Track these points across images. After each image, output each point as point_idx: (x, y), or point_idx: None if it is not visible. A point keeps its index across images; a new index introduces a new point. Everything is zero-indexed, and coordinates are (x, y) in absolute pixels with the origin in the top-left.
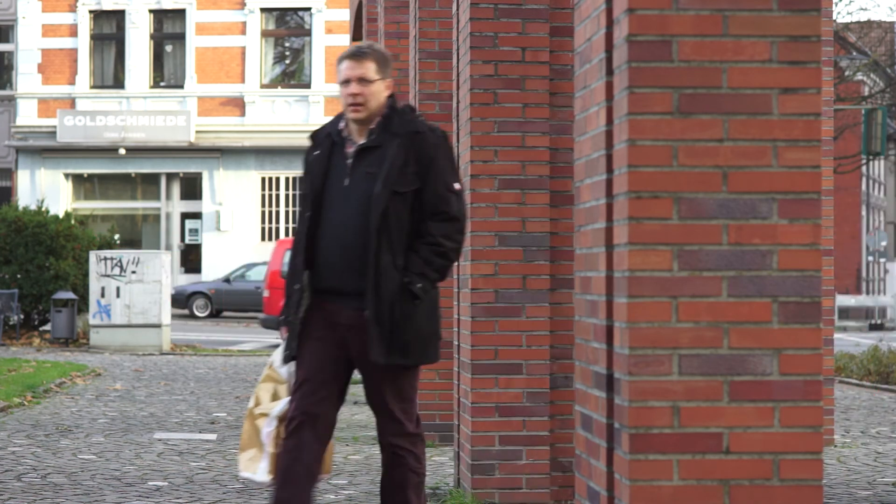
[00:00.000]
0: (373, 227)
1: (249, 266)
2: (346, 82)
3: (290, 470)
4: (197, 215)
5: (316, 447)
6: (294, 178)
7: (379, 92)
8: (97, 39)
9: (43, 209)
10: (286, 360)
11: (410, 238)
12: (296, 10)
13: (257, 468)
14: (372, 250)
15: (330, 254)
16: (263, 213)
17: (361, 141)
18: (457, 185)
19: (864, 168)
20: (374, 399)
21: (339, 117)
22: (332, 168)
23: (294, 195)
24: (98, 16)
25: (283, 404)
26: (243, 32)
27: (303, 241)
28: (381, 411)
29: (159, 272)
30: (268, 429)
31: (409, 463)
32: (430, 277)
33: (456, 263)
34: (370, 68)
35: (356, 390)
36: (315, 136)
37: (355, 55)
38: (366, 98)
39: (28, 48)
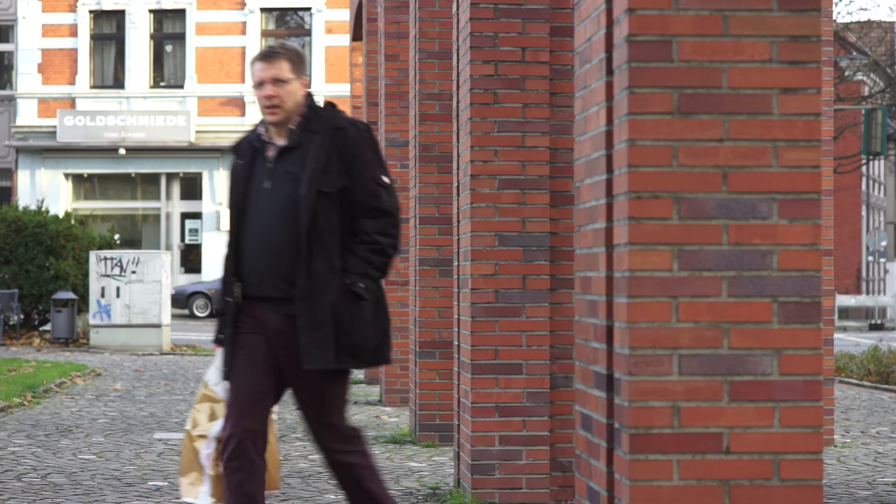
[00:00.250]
0: (302, 232)
1: None
2: (260, 84)
3: (241, 491)
4: (197, 215)
5: (261, 464)
6: None
7: (295, 91)
8: (97, 39)
9: (43, 209)
10: (225, 377)
11: (344, 238)
12: (296, 10)
13: (199, 492)
14: (303, 255)
15: (256, 261)
16: None
17: (282, 142)
18: (385, 179)
19: (864, 168)
20: (310, 408)
21: (259, 123)
22: (254, 174)
23: None
24: (98, 16)
25: (220, 424)
26: (243, 32)
27: (231, 252)
28: (318, 420)
29: (159, 272)
30: (207, 451)
31: (357, 462)
32: (372, 276)
33: (395, 259)
34: (284, 68)
35: (356, 390)
36: (237, 147)
37: (267, 56)
38: (282, 99)
39: (28, 48)
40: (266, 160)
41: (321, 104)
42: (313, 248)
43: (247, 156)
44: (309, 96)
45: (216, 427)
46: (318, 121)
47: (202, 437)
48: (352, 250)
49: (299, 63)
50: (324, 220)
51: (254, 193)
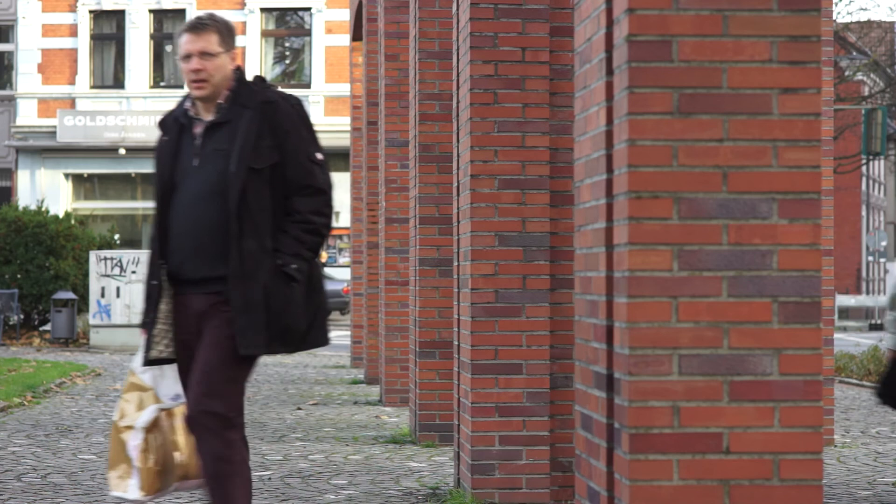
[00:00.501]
0: (232, 210)
1: None
2: (187, 57)
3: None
4: None
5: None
6: None
7: (224, 65)
8: (97, 39)
9: (43, 209)
10: (146, 362)
11: (275, 217)
12: (296, 10)
13: (127, 486)
14: (234, 235)
15: (182, 242)
16: None
17: (210, 118)
18: (319, 155)
19: (864, 168)
20: (198, 371)
21: (185, 98)
22: (182, 151)
23: None
24: (98, 16)
25: (149, 413)
26: (243, 32)
27: (156, 233)
28: (203, 379)
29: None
30: (134, 442)
31: (220, 441)
32: (305, 257)
33: (327, 237)
34: (212, 41)
35: (356, 390)
36: (163, 122)
37: (195, 28)
38: (209, 73)
39: (28, 48)
40: (193, 137)
41: (252, 78)
42: (244, 227)
43: (173, 132)
44: (238, 70)
45: (144, 417)
46: (247, 95)
47: (129, 427)
48: (284, 229)
49: (229, 36)
50: (254, 198)
51: (181, 172)
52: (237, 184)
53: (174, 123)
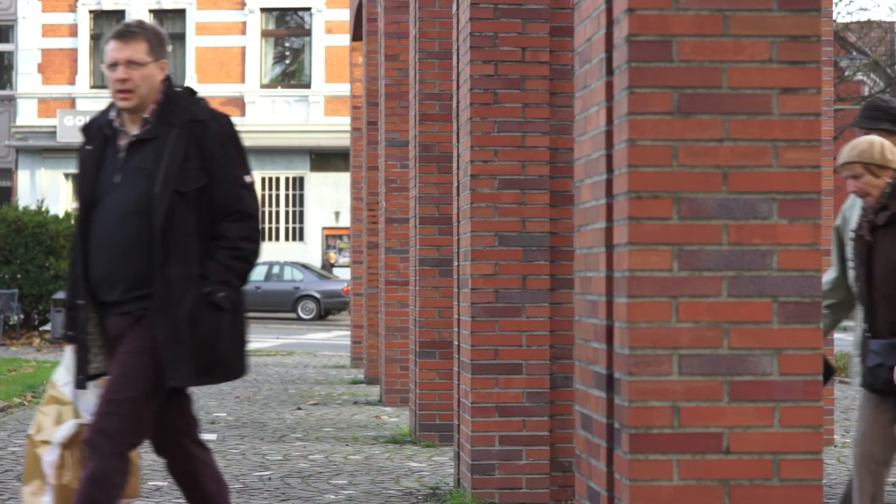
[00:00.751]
0: (157, 234)
1: None
2: (113, 66)
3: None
4: None
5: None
6: (294, 179)
7: (152, 76)
8: (97, 39)
9: (43, 209)
10: (78, 385)
11: (202, 242)
12: (296, 10)
13: (40, 503)
14: (158, 261)
15: (101, 262)
16: (263, 212)
17: (135, 132)
18: (248, 179)
19: None
20: (106, 391)
21: (111, 106)
22: (104, 164)
23: (295, 195)
24: (98, 16)
25: (67, 429)
26: (243, 32)
27: (77, 250)
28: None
29: None
30: (50, 458)
31: (103, 463)
32: (233, 285)
33: (254, 264)
34: (140, 49)
35: (356, 390)
36: (86, 129)
37: (123, 35)
38: (136, 83)
39: (28, 48)
40: (117, 150)
41: (181, 90)
42: (169, 252)
43: (97, 142)
44: (167, 82)
45: (62, 432)
46: (175, 111)
47: (45, 442)
48: (211, 255)
49: (159, 45)
50: (180, 222)
51: (102, 187)
52: (162, 207)
53: (98, 133)
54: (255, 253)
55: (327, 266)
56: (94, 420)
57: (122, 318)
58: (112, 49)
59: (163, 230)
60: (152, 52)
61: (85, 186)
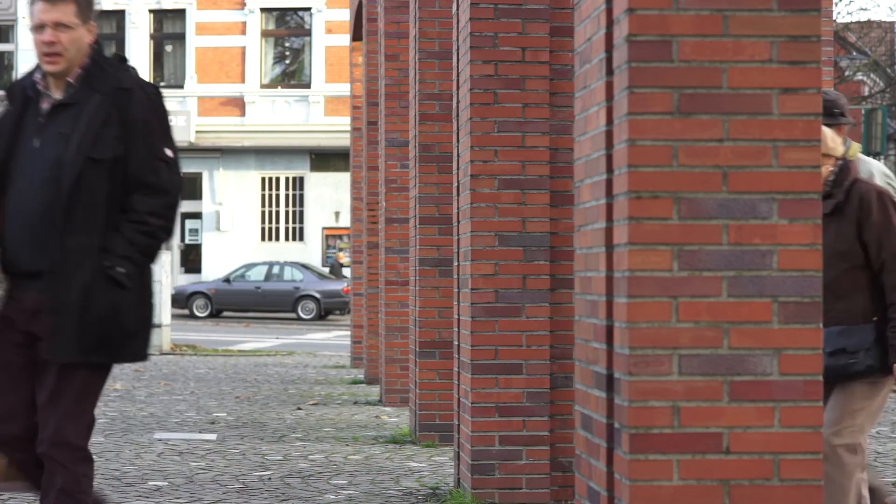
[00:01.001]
0: (62, 201)
1: (249, 266)
2: (39, 28)
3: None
4: (197, 215)
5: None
6: (294, 179)
7: (79, 39)
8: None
9: None
10: None
11: (110, 214)
12: (296, 10)
13: None
14: (58, 228)
15: (15, 228)
16: (263, 213)
17: (58, 96)
18: (169, 153)
19: None
20: (43, 397)
21: (36, 68)
22: (25, 127)
23: (295, 195)
24: (98, 16)
25: None
26: (243, 32)
27: None
28: (46, 412)
29: (159, 272)
30: None
31: (62, 482)
32: (135, 261)
33: (166, 244)
34: (68, 11)
35: (356, 390)
36: (10, 90)
37: None
38: (63, 46)
39: (28, 48)
40: (39, 113)
41: (110, 57)
42: (71, 219)
43: (18, 103)
44: (96, 47)
45: None
46: (101, 77)
47: None
48: (117, 229)
49: (87, 7)
50: (88, 191)
51: (21, 151)
52: (72, 172)
53: (21, 94)
54: (166, 230)
55: (337, 267)
56: (49, 434)
57: (37, 294)
58: (39, 10)
59: (69, 196)
60: (81, 14)
61: (2, 150)
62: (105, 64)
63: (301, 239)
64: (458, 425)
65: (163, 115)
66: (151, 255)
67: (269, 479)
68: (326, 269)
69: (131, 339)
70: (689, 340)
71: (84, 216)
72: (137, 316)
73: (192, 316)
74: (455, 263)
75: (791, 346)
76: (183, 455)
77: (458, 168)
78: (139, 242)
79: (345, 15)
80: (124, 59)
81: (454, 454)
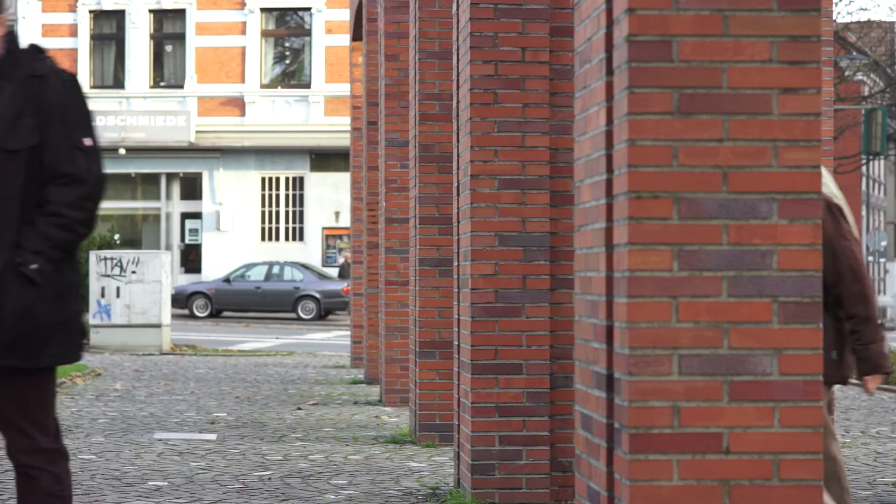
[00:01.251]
0: None
1: (249, 266)
2: None
3: None
4: (197, 215)
5: None
6: (294, 179)
7: None
8: (97, 39)
9: None
10: None
11: (25, 207)
12: (296, 10)
13: None
14: None
15: None
16: (263, 213)
17: None
18: (87, 141)
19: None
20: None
21: None
22: None
23: (295, 195)
24: (98, 16)
25: None
26: (243, 32)
27: None
28: (5, 423)
29: (159, 272)
30: None
31: (45, 485)
32: (49, 256)
33: (84, 237)
34: None
35: (356, 390)
36: None
37: None
38: None
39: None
40: None
41: (25, 48)
42: None
43: None
44: (10, 37)
45: None
46: (15, 66)
47: None
48: (31, 223)
49: None
50: (1, 184)
51: None
52: None
53: None
54: (83, 223)
55: (346, 267)
56: (22, 443)
57: None
58: None
59: None
60: None
61: None
62: (19, 53)
63: (301, 239)
64: (458, 425)
65: (80, 102)
66: (68, 250)
67: (269, 479)
68: (327, 270)
69: (49, 341)
70: (689, 340)
71: None
72: (55, 315)
73: (192, 316)
74: (455, 263)
75: (791, 346)
76: (183, 455)
77: (458, 168)
78: (54, 237)
79: (345, 15)
80: (40, 49)
81: (454, 454)
